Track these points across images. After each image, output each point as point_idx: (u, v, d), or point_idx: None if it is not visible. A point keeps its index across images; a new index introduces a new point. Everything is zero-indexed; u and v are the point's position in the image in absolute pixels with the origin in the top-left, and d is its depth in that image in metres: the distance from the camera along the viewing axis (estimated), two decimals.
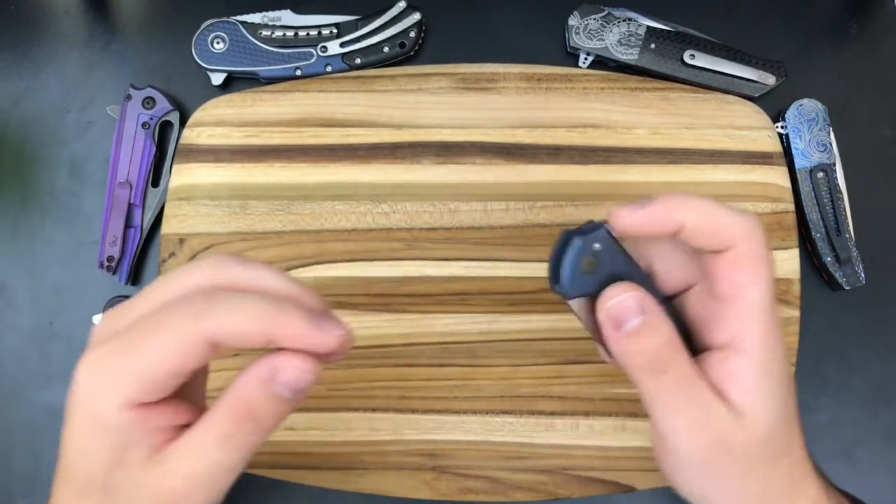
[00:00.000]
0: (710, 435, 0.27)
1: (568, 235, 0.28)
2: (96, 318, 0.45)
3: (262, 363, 0.25)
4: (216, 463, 0.25)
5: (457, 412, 0.43)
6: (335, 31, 0.48)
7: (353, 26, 0.48)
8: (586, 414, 0.42)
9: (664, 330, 0.27)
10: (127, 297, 0.45)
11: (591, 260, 0.28)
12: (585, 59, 0.48)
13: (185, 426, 0.26)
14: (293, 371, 0.25)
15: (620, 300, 0.27)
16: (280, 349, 0.25)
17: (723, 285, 0.27)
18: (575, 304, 0.31)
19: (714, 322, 0.28)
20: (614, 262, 0.28)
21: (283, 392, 0.25)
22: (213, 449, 0.25)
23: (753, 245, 0.27)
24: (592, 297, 0.28)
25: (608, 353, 0.30)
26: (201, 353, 0.24)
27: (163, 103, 0.47)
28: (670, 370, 0.27)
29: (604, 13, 0.48)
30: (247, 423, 0.25)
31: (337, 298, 0.44)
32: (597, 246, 0.28)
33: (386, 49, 0.48)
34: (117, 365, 0.25)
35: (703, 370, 0.28)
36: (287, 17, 0.48)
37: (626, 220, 0.27)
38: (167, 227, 0.45)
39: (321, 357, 0.26)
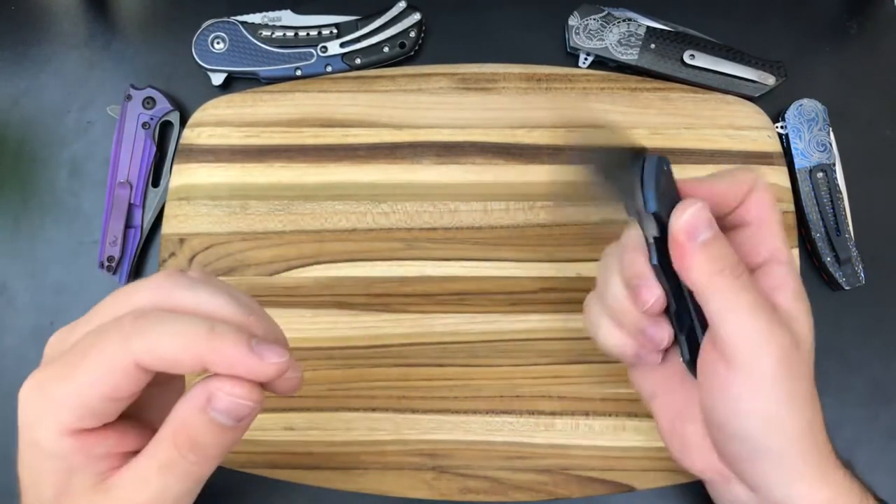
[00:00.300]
0: (784, 339, 0.29)
1: (636, 155, 0.28)
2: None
3: (198, 389, 0.24)
4: (161, 492, 0.24)
5: (457, 412, 0.43)
6: (335, 31, 0.48)
7: (353, 26, 0.48)
8: (586, 414, 0.42)
9: (727, 242, 0.29)
10: None
11: (663, 179, 0.29)
12: (585, 59, 0.48)
13: (135, 452, 0.25)
14: (227, 398, 0.24)
15: (694, 212, 0.28)
16: (216, 374, 0.24)
17: (754, 212, 0.31)
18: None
19: (749, 245, 0.31)
20: (669, 188, 0.29)
21: (221, 419, 0.24)
22: (155, 478, 0.24)
23: (762, 183, 0.31)
24: (659, 219, 0.29)
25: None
26: (132, 377, 0.23)
27: (163, 103, 0.47)
28: (744, 274, 0.29)
29: (604, 13, 0.48)
30: (188, 453, 0.24)
31: (337, 298, 0.44)
32: (665, 167, 0.29)
33: (386, 49, 0.48)
34: (53, 390, 0.24)
35: None
36: (287, 17, 0.48)
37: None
38: (167, 227, 0.45)
39: (265, 385, 0.25)
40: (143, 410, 0.26)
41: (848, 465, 0.34)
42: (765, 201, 0.31)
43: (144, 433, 0.26)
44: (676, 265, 0.29)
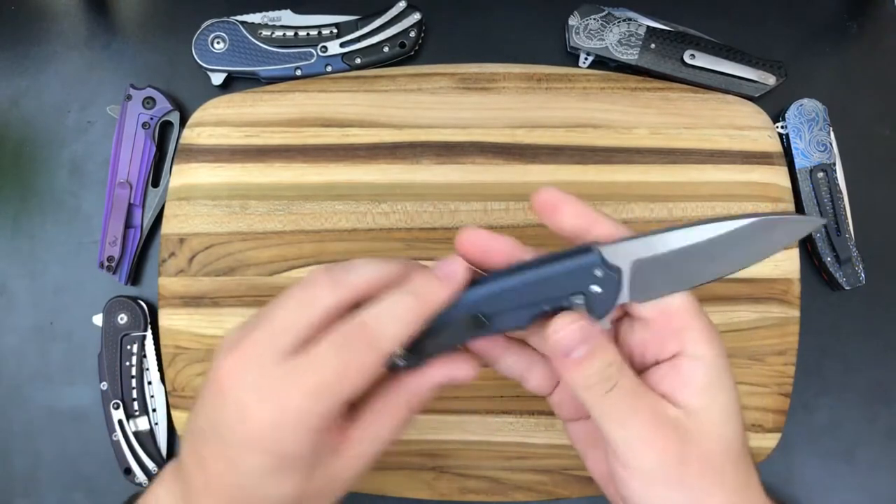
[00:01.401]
0: (668, 442, 0.29)
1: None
2: (96, 319, 0.45)
3: (436, 372, 0.30)
4: (389, 442, 0.30)
5: (457, 412, 0.43)
6: (335, 31, 0.48)
7: (353, 26, 0.48)
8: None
9: (609, 351, 0.29)
10: (127, 297, 0.45)
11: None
12: (585, 59, 0.48)
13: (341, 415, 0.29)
14: (460, 377, 0.30)
15: (568, 334, 0.29)
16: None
17: (650, 310, 0.30)
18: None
19: (658, 337, 0.30)
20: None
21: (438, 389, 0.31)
22: (389, 433, 0.30)
23: (619, 230, 0.30)
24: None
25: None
26: (377, 371, 0.28)
27: (163, 103, 0.47)
28: (619, 385, 0.29)
29: (604, 13, 0.48)
30: (417, 412, 0.31)
31: None
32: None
33: (386, 49, 0.48)
34: (306, 405, 0.27)
35: (653, 383, 0.30)
36: (287, 17, 0.48)
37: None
38: (167, 227, 0.45)
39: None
40: None
41: None
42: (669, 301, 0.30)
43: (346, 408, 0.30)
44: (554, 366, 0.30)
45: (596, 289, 0.29)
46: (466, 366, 0.30)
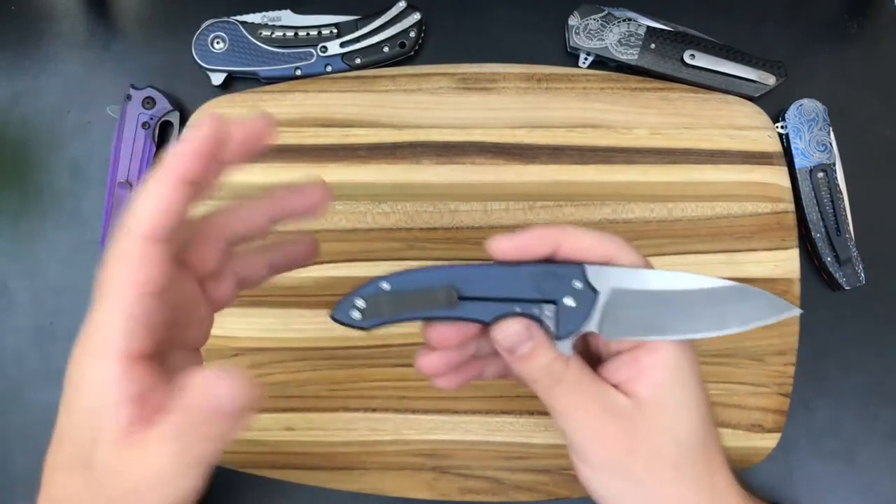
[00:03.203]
0: (613, 432, 0.29)
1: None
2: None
3: (207, 381, 0.25)
4: (170, 469, 0.25)
5: (457, 412, 0.43)
6: (335, 31, 0.48)
7: (353, 26, 0.48)
8: None
9: (552, 348, 0.29)
10: None
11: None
12: (585, 59, 0.48)
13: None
14: (231, 393, 0.25)
15: (511, 334, 0.29)
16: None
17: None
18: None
19: None
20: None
21: (228, 412, 0.26)
22: (167, 456, 0.25)
23: (635, 259, 0.30)
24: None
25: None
26: (154, 256, 0.25)
27: (163, 103, 0.47)
28: (563, 379, 0.29)
29: (604, 13, 0.48)
30: (198, 437, 0.26)
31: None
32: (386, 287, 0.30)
33: (386, 49, 0.48)
34: (96, 319, 0.27)
35: (610, 372, 0.30)
36: (287, 17, 0.48)
37: (506, 242, 0.30)
38: None
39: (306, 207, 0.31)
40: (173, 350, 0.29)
41: None
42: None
43: (168, 385, 0.26)
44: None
45: (570, 302, 0.29)
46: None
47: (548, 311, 0.29)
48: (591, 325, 0.29)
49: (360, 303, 0.29)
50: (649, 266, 0.30)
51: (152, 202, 0.26)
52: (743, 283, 0.30)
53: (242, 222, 0.32)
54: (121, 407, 0.25)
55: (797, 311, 0.30)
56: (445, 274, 0.29)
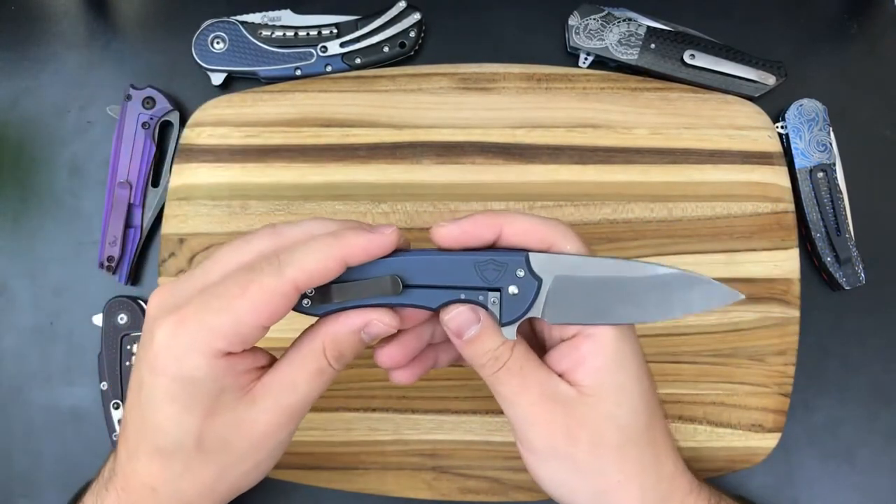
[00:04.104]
0: (554, 417, 0.30)
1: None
2: (96, 319, 0.45)
3: (355, 316, 0.29)
4: (307, 395, 0.30)
5: (457, 412, 0.43)
6: (335, 31, 0.48)
7: (353, 26, 0.48)
8: None
9: (498, 334, 0.30)
10: (127, 297, 0.45)
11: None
12: (585, 59, 0.48)
13: (263, 367, 0.30)
14: (380, 325, 0.29)
15: (456, 315, 0.30)
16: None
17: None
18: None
19: None
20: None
21: (366, 339, 0.30)
22: (305, 382, 0.29)
23: (578, 246, 0.30)
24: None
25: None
26: (290, 301, 0.28)
27: (163, 103, 0.47)
28: (507, 365, 0.30)
29: (604, 13, 0.48)
30: (335, 362, 0.30)
31: None
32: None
33: (386, 49, 0.48)
34: (206, 322, 0.27)
35: (554, 361, 0.31)
36: (287, 17, 0.48)
37: (449, 229, 0.30)
38: (167, 227, 0.45)
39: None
40: None
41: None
42: None
43: (264, 351, 0.31)
44: None
45: (514, 289, 0.30)
46: (387, 316, 0.30)
47: (492, 298, 0.30)
48: (536, 311, 0.30)
49: (310, 290, 0.30)
50: (592, 254, 0.31)
51: (317, 260, 0.28)
52: (688, 271, 0.30)
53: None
54: (233, 379, 0.28)
55: (740, 297, 0.30)
56: (391, 263, 0.30)
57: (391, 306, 0.30)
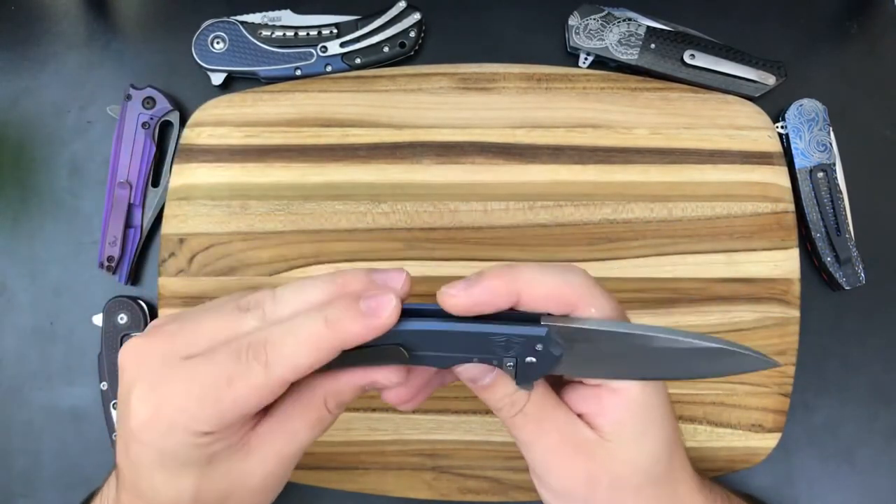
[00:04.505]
0: (574, 463, 0.29)
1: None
2: (96, 319, 0.45)
3: (360, 375, 0.29)
4: (306, 441, 0.29)
5: (457, 412, 0.43)
6: (335, 31, 0.48)
7: (353, 26, 0.48)
8: None
9: (505, 383, 0.29)
10: (127, 297, 0.45)
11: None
12: (585, 59, 0.48)
13: (255, 415, 0.29)
14: (386, 384, 0.29)
15: (470, 367, 0.29)
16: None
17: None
18: None
19: None
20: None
21: (359, 391, 0.29)
22: (305, 431, 0.29)
23: (602, 303, 0.28)
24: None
25: None
26: (277, 393, 0.27)
27: (163, 103, 0.47)
28: (524, 410, 0.29)
29: (604, 13, 0.48)
30: (336, 409, 0.30)
31: None
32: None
33: (386, 49, 0.48)
34: (188, 410, 0.26)
35: (573, 400, 0.30)
36: (287, 17, 0.48)
37: (460, 300, 0.27)
38: (167, 227, 0.45)
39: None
40: None
41: None
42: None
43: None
44: None
45: (531, 360, 0.28)
46: (394, 374, 0.29)
47: (508, 363, 0.28)
48: (553, 371, 0.28)
49: None
50: (620, 310, 0.29)
51: (307, 355, 0.26)
52: (726, 340, 0.28)
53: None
54: (228, 438, 0.28)
55: (778, 364, 0.28)
56: (396, 334, 0.27)
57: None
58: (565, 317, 0.28)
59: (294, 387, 0.28)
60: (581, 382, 0.30)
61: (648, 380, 0.29)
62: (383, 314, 0.26)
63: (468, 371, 0.29)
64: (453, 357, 0.28)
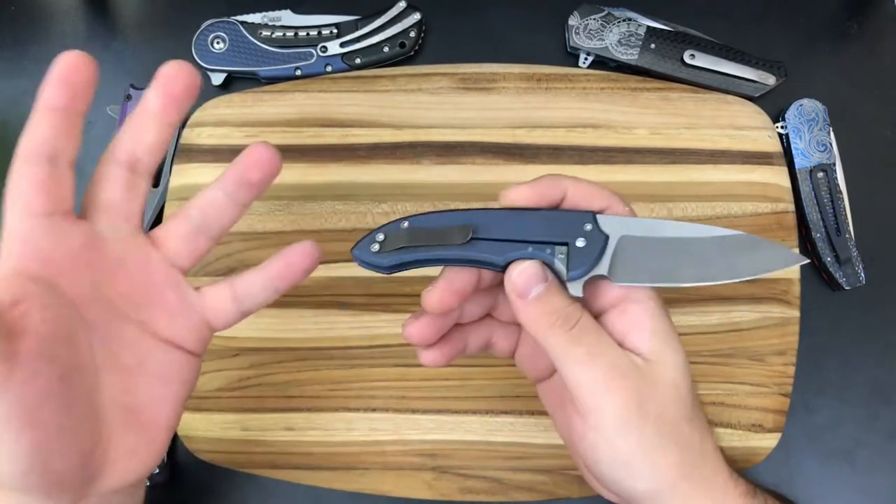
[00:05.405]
0: (628, 384, 0.29)
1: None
2: None
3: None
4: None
5: (457, 412, 0.43)
6: (335, 31, 0.48)
7: (353, 26, 0.48)
8: None
9: (564, 292, 0.30)
10: None
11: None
12: (585, 59, 0.48)
13: None
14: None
15: (524, 270, 0.29)
16: None
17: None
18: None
19: (603, 283, 0.31)
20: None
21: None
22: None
23: (628, 208, 0.31)
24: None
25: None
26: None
27: None
28: (579, 323, 0.29)
29: (604, 13, 0.48)
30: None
31: (337, 298, 0.44)
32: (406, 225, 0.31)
33: (386, 49, 0.48)
34: None
35: (608, 329, 0.30)
36: (287, 17, 0.48)
37: (522, 190, 0.31)
38: None
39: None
40: None
41: (776, 494, 0.34)
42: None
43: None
44: (515, 314, 0.30)
45: (581, 243, 0.29)
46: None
47: (559, 253, 0.29)
48: (602, 269, 0.29)
49: (380, 236, 0.30)
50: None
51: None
52: (751, 234, 0.31)
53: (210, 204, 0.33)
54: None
55: (804, 260, 0.30)
56: (461, 216, 0.30)
57: (456, 262, 0.30)
58: None
59: None
60: (605, 313, 0.31)
61: (691, 284, 0.30)
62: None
63: (522, 274, 0.29)
64: (509, 245, 0.30)
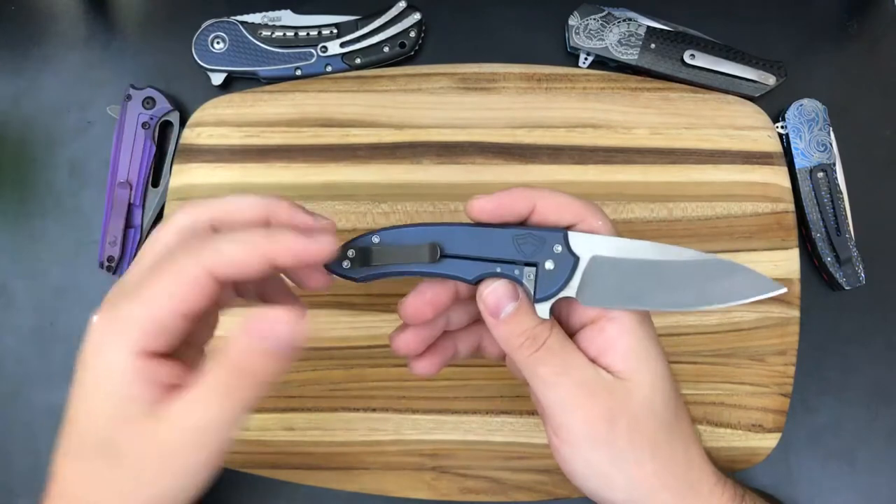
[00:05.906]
0: (596, 401, 0.29)
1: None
2: (96, 318, 0.45)
3: (252, 320, 0.26)
4: (216, 416, 0.26)
5: (457, 412, 0.43)
6: (335, 31, 0.48)
7: (353, 26, 0.48)
8: None
9: (534, 311, 0.30)
10: None
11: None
12: (585, 59, 0.48)
13: (177, 386, 0.27)
14: (281, 327, 0.26)
15: (494, 290, 0.29)
16: (271, 303, 0.27)
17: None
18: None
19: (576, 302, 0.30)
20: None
21: (274, 347, 0.26)
22: (214, 402, 0.26)
23: (608, 227, 0.31)
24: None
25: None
26: (205, 289, 0.26)
27: (163, 103, 0.47)
28: (547, 342, 0.29)
29: (604, 13, 0.48)
30: (244, 379, 0.26)
31: (337, 298, 0.44)
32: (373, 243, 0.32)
33: (386, 49, 0.48)
34: (126, 310, 0.26)
35: (582, 346, 0.30)
36: (287, 17, 0.48)
37: (487, 203, 0.30)
38: None
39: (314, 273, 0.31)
40: (183, 348, 0.28)
41: (765, 495, 0.34)
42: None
43: (186, 369, 0.28)
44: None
45: (550, 265, 0.29)
46: (285, 312, 0.27)
47: (528, 274, 0.30)
48: (570, 291, 0.30)
49: (351, 253, 0.31)
50: (618, 233, 0.31)
51: (238, 252, 0.26)
52: (728, 259, 0.30)
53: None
54: (143, 388, 0.26)
55: (782, 290, 0.29)
56: (430, 232, 0.30)
57: (427, 275, 0.30)
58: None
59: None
60: (583, 328, 0.31)
61: (661, 309, 0.30)
62: (322, 241, 0.28)
63: (493, 294, 0.29)
64: (479, 264, 0.30)
